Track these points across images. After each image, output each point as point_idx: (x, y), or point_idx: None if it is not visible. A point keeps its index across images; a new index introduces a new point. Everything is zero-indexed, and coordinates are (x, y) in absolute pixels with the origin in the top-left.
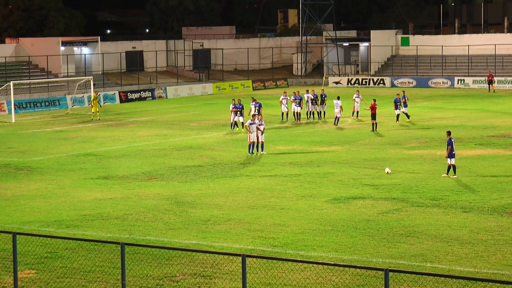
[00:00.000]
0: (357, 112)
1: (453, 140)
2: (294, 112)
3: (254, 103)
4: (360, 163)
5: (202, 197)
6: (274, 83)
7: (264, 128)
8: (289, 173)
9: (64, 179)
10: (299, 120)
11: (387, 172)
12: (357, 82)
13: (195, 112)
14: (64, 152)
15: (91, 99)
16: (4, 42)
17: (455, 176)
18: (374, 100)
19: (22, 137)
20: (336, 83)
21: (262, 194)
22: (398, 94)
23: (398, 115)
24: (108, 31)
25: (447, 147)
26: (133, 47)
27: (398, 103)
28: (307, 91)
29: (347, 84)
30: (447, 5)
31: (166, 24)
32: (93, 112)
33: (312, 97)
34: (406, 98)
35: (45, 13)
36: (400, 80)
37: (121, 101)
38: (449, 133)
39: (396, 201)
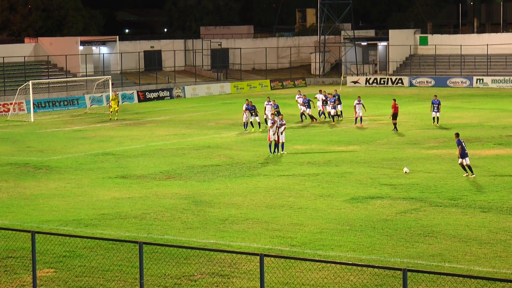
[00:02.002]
0: (361, 118)
1: (462, 140)
2: (304, 113)
3: (268, 102)
4: (378, 163)
5: (220, 197)
6: (292, 83)
7: (284, 128)
8: (307, 172)
9: (83, 178)
10: (314, 120)
11: (406, 172)
12: (375, 81)
13: (213, 112)
14: (82, 151)
15: (110, 99)
16: (23, 42)
17: (474, 175)
18: (394, 100)
19: (41, 136)
20: (354, 82)
21: (280, 193)
22: (435, 96)
23: (434, 118)
24: (127, 30)
25: (458, 147)
26: (151, 47)
27: (436, 105)
28: (320, 91)
29: (365, 83)
30: (466, 4)
31: (184, 23)
32: (111, 112)
33: (324, 98)
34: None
35: (64, 13)
36: (418, 80)
37: (139, 100)
38: (457, 134)
39: (414, 200)
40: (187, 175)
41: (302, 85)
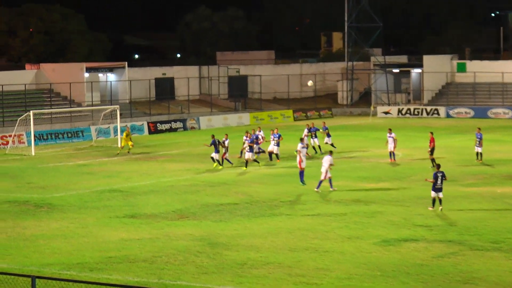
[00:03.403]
0: (393, 153)
1: (439, 174)
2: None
3: (259, 132)
4: (412, 202)
5: (237, 238)
6: (317, 113)
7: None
8: (333, 212)
9: (87, 218)
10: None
11: (309, 84)
12: (408, 112)
13: (230, 145)
14: (87, 188)
15: (124, 136)
16: (23, 68)
17: (441, 207)
18: (431, 133)
19: (43, 172)
20: (386, 113)
21: (304, 235)
22: (478, 128)
23: (478, 153)
24: (136, 56)
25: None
26: (163, 74)
27: (478, 139)
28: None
29: (398, 114)
30: (507, 28)
31: (198, 48)
32: (122, 146)
33: (307, 132)
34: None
35: (68, 37)
36: (456, 110)
37: (150, 132)
38: (438, 166)
39: (452, 243)
40: (201, 214)
41: (328, 115)
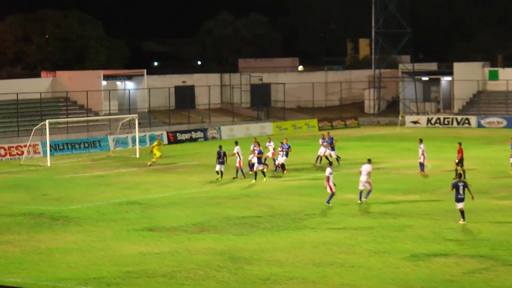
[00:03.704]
0: (423, 165)
1: (460, 184)
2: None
3: (269, 143)
4: (442, 215)
5: (260, 252)
6: (343, 123)
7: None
8: (359, 225)
9: (105, 231)
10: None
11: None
12: (438, 121)
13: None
14: (104, 199)
15: (155, 144)
16: (39, 76)
17: (464, 222)
18: (460, 144)
19: (58, 183)
20: (414, 122)
21: (329, 249)
22: None
23: None
24: (155, 63)
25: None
26: (183, 82)
27: None
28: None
29: (427, 124)
30: None
31: (220, 55)
32: (156, 156)
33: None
34: None
35: (85, 43)
36: (488, 120)
37: (170, 142)
38: (459, 175)
39: (484, 259)
40: (223, 227)
41: (354, 125)
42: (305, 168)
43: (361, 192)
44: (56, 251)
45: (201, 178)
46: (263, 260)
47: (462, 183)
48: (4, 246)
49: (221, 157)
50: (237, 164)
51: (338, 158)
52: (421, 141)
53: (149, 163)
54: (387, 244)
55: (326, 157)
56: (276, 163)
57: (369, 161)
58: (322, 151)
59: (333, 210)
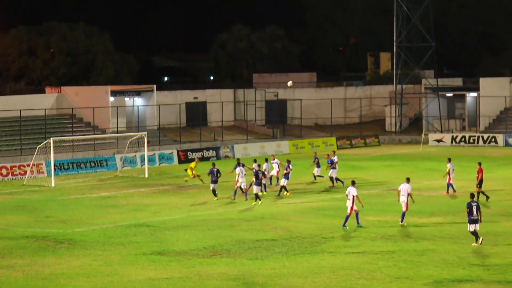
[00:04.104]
0: (451, 185)
1: (473, 204)
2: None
3: (273, 160)
4: (467, 238)
5: (275, 278)
6: (363, 141)
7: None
8: (380, 249)
9: (112, 255)
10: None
11: (289, 85)
12: (463, 140)
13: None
14: (112, 222)
15: (192, 166)
16: (44, 92)
17: (476, 244)
18: (479, 164)
19: (63, 204)
20: (438, 141)
21: (348, 274)
22: None
23: None
24: (166, 78)
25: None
26: (194, 98)
27: None
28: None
29: (451, 142)
30: None
31: (234, 70)
32: (193, 176)
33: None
34: None
35: (92, 58)
36: None
37: (180, 161)
38: (471, 195)
39: None
40: (236, 251)
41: (374, 143)
42: (323, 189)
43: (403, 214)
44: (60, 276)
45: (213, 199)
46: (279, 286)
47: (475, 204)
48: (6, 271)
49: (215, 176)
50: (238, 185)
51: (338, 180)
52: (449, 160)
53: (186, 179)
54: (409, 270)
55: (315, 177)
56: (282, 183)
57: (408, 180)
58: (316, 170)
59: (352, 234)
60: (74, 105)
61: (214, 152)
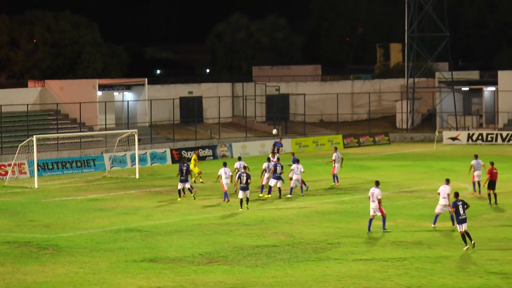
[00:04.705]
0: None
1: (459, 203)
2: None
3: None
4: (484, 244)
5: (277, 287)
6: (372, 139)
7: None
8: (390, 256)
9: (100, 262)
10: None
11: (274, 133)
12: (480, 137)
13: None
14: (100, 226)
15: (195, 158)
16: (26, 86)
17: (468, 247)
18: (492, 164)
19: (47, 207)
20: (453, 139)
21: (356, 283)
22: None
23: None
24: (158, 71)
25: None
26: (189, 92)
27: None
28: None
29: (467, 140)
30: None
31: (232, 62)
32: (198, 174)
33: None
34: None
35: (79, 49)
36: None
37: (174, 161)
38: (456, 194)
39: None
40: (234, 258)
41: (384, 142)
42: (328, 191)
43: (437, 216)
44: (44, 285)
45: (209, 202)
46: None
47: (461, 202)
48: None
49: (183, 175)
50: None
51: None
52: (475, 157)
53: (196, 180)
54: (422, 278)
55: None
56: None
57: (448, 181)
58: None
59: (360, 239)
60: (59, 100)
61: (211, 151)
